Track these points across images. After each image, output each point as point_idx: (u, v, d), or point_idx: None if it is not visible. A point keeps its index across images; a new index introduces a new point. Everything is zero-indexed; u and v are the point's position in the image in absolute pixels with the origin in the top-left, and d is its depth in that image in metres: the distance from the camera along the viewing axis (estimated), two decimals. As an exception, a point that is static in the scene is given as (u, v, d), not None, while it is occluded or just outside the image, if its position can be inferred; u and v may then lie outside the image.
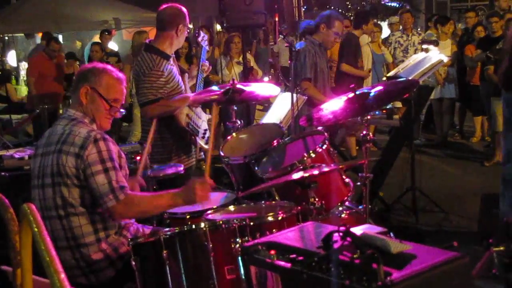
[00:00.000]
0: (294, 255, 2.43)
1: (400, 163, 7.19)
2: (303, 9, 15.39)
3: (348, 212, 4.18)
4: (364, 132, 4.08)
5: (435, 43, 9.26)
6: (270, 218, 3.50)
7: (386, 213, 6.87)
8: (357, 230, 2.48)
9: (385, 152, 7.31)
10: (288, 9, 11.11)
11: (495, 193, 5.15)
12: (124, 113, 3.84)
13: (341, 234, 2.38)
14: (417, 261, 2.22)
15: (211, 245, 3.30)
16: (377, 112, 6.20)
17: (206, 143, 5.25)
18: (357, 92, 4.13)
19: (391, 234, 3.58)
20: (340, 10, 19.99)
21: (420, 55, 7.02)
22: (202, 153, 5.55)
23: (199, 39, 5.64)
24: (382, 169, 6.90)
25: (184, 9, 5.11)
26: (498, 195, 4.67)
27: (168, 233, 3.32)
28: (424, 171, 7.44)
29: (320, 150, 4.19)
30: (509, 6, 10.47)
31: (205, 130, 5.32)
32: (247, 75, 8.02)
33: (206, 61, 5.60)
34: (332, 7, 18.38)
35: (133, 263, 3.29)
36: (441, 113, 10.79)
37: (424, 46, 8.13)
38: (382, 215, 6.66)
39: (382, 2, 21.35)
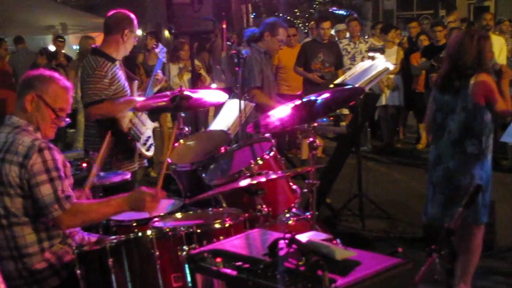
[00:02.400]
0: (240, 263, 2.43)
1: (348, 170, 7.25)
2: (252, 16, 15.43)
3: (295, 219, 4.19)
4: (311, 139, 4.09)
5: (381, 51, 9.37)
6: (217, 225, 3.50)
7: (334, 219, 6.92)
8: (303, 237, 2.50)
9: (333, 159, 7.37)
10: (237, 16, 11.13)
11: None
12: (69, 121, 3.78)
13: (286, 241, 2.38)
14: (361, 267, 2.24)
15: (157, 253, 3.28)
16: (324, 119, 6.24)
17: (148, 150, 5.22)
18: (304, 99, 4.15)
19: (338, 241, 3.62)
20: (288, 18, 20.13)
21: (367, 63, 7.10)
22: (145, 160, 5.51)
23: (157, 50, 5.62)
24: (330, 176, 6.95)
25: (132, 15, 5.08)
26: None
27: (114, 241, 3.28)
28: (371, 177, 7.53)
29: (268, 157, 4.21)
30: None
31: (148, 137, 5.28)
32: (195, 82, 8.00)
33: (160, 71, 5.57)
34: (281, 14, 18.49)
35: (78, 271, 3.24)
36: (386, 120, 10.95)
37: (371, 54, 8.20)
38: (329, 222, 6.70)
39: (330, 10, 21.56)
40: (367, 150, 10.85)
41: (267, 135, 4.56)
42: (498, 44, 9.79)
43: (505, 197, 6.34)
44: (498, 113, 4.69)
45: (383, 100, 10.58)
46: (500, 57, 9.69)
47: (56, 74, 3.71)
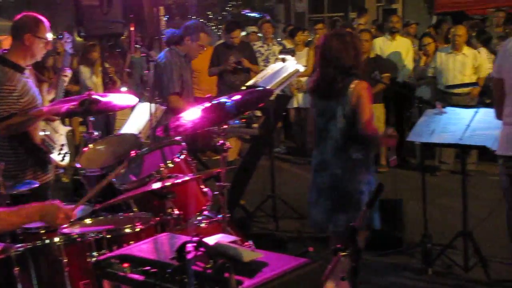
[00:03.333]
0: (147, 268, 2.41)
1: (261, 171, 7.30)
2: (165, 19, 15.27)
3: (207, 221, 4.19)
4: (221, 142, 4.10)
5: (292, 53, 9.48)
6: (127, 230, 3.48)
7: (248, 221, 6.95)
8: (211, 240, 2.50)
9: (246, 160, 7.40)
10: (150, 19, 11.03)
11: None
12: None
13: (194, 244, 2.38)
14: (268, 268, 2.26)
15: (65, 260, 3.23)
16: (236, 121, 6.27)
17: (63, 160, 5.10)
18: (214, 102, 4.15)
19: (250, 242, 3.64)
20: (201, 20, 20.09)
21: (278, 65, 7.16)
22: (60, 169, 5.39)
23: (63, 41, 5.43)
24: (243, 178, 6.98)
25: (38, 18, 4.82)
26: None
27: (20, 249, 3.21)
28: (284, 178, 7.61)
29: (178, 160, 4.20)
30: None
31: (62, 145, 5.16)
32: (106, 85, 7.89)
33: (69, 70, 5.43)
34: (194, 17, 18.45)
35: (-18, 282, 3.15)
36: (299, 122, 11.06)
37: (281, 56, 8.28)
38: (243, 223, 6.72)
39: (243, 13, 21.66)
40: (280, 151, 10.96)
41: (178, 138, 4.54)
42: (405, 46, 10.07)
43: (413, 194, 6.50)
44: (363, 123, 4.58)
45: (294, 103, 10.67)
46: (407, 58, 9.95)
47: None
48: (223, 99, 4.26)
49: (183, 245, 2.39)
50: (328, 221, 4.74)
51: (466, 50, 8.96)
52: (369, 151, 4.73)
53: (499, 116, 4.19)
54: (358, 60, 4.72)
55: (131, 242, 3.28)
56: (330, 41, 4.72)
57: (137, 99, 5.31)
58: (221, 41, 11.03)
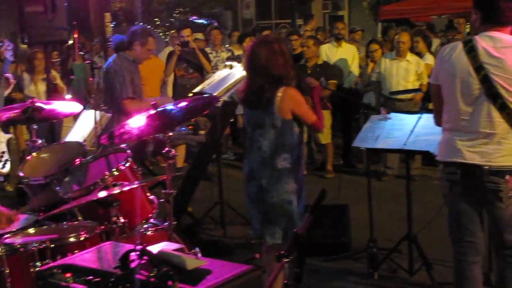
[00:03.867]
0: (90, 277, 2.39)
1: (209, 178, 7.29)
2: (112, 25, 15.15)
3: (153, 229, 4.17)
4: (167, 149, 4.09)
5: (239, 60, 9.48)
6: (72, 239, 3.44)
7: (195, 228, 6.91)
8: (155, 248, 2.49)
9: (193, 167, 7.38)
10: (97, 25, 10.93)
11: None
12: None
13: (138, 253, 2.36)
14: (212, 276, 2.26)
15: (8, 271, 3.17)
16: (183, 128, 6.25)
17: (3, 167, 5.02)
18: (159, 109, 4.14)
19: (197, 249, 3.63)
20: (149, 27, 19.96)
21: (224, 72, 7.17)
22: (0, 177, 5.31)
23: (3, 48, 5.35)
24: (191, 184, 6.95)
25: None
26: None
27: (-41, 260, 3.14)
28: (232, 184, 7.60)
29: (123, 168, 4.16)
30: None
31: (3, 152, 5.08)
32: (51, 93, 7.78)
33: (11, 75, 5.35)
34: (141, 23, 18.32)
35: None
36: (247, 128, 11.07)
37: (228, 63, 8.29)
38: (191, 230, 6.69)
39: (190, 19, 21.59)
40: (228, 157, 10.95)
41: (123, 145, 4.50)
42: (350, 52, 10.18)
43: (359, 199, 6.58)
44: (311, 126, 4.70)
45: (241, 109, 10.67)
46: (353, 65, 10.07)
47: None
48: (168, 106, 4.25)
49: (127, 253, 2.38)
50: (265, 234, 4.65)
51: (410, 56, 9.08)
52: (296, 159, 4.65)
53: (438, 122, 4.26)
54: (287, 68, 4.57)
55: (75, 251, 3.25)
56: (258, 49, 4.58)
57: (81, 107, 5.26)
58: (170, 47, 11.02)
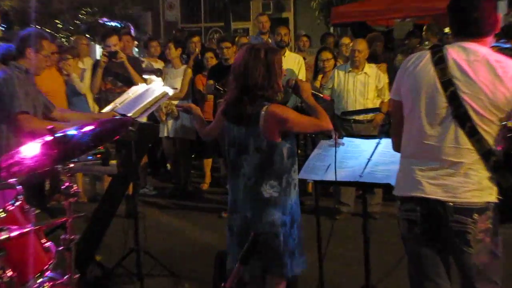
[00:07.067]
0: None
1: (121, 219, 7.23)
2: (2, 29, 15.01)
3: (50, 284, 4.12)
4: (67, 184, 4.04)
5: (158, 73, 9.47)
6: None
7: (105, 280, 6.83)
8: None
9: (102, 206, 7.30)
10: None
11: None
12: None
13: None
14: None
15: None
16: (89, 157, 6.20)
17: None
18: (58, 134, 4.10)
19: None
20: (50, 32, 19.79)
21: (141, 87, 7.16)
22: None
23: None
24: (99, 227, 6.87)
25: None
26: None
27: None
28: (152, 227, 7.55)
29: (12, 208, 4.09)
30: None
31: None
32: None
33: None
34: (37, 26, 18.14)
35: None
36: (173, 155, 11.02)
37: (145, 77, 8.29)
38: (100, 284, 6.62)
39: (100, 21, 21.50)
40: (147, 192, 10.88)
41: (12, 180, 4.43)
42: (295, 63, 10.21)
43: (307, 242, 6.59)
44: (316, 132, 4.96)
45: (164, 131, 10.64)
46: (300, 75, 10.08)
47: None
48: (70, 131, 4.21)
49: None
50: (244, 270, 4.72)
51: (368, 68, 9.15)
52: (286, 186, 4.83)
53: (397, 147, 4.24)
54: (270, 81, 4.76)
55: None
56: (241, 56, 4.84)
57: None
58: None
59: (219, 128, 5.18)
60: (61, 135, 4.08)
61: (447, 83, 3.87)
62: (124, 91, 9.24)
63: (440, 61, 3.93)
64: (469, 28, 3.95)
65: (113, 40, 9.66)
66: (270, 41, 11.08)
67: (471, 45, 3.91)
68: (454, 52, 3.91)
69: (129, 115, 6.38)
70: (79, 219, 4.54)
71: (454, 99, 3.85)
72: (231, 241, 5.01)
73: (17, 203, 4.15)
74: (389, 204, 9.06)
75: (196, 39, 12.04)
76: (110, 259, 7.14)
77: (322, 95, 5.35)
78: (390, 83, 8.82)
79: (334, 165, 5.18)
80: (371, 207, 8.44)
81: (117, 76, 9.59)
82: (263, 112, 4.68)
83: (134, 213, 7.03)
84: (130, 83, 9.43)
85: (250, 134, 4.78)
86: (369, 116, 8.97)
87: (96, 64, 9.86)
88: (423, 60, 4.01)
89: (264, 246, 4.72)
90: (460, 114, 3.85)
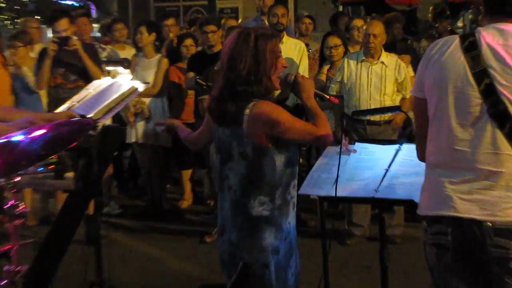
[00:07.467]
0: None
1: (81, 246, 7.22)
2: None
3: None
4: (11, 202, 4.03)
5: (126, 64, 9.42)
6: None
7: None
8: None
9: (56, 229, 7.29)
10: None
11: (217, 282, 5.35)
12: None
13: None
14: None
15: None
16: (40, 169, 6.19)
17: None
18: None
19: None
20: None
21: (104, 82, 7.14)
22: None
23: None
24: (52, 256, 6.87)
25: None
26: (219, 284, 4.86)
27: None
28: (117, 255, 7.56)
29: None
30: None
31: None
32: None
33: None
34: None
35: None
36: (148, 165, 10.97)
37: (109, 68, 8.22)
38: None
39: (54, 0, 21.54)
40: (111, 212, 10.86)
41: None
42: (296, 50, 10.11)
43: (312, 272, 6.61)
44: (313, 142, 4.86)
45: (132, 136, 10.60)
46: (301, 69, 10.05)
47: None
48: (15, 136, 4.20)
49: None
50: None
51: (386, 57, 9.11)
52: (281, 204, 4.77)
53: (421, 155, 4.17)
54: (258, 74, 4.65)
55: None
56: (230, 41, 4.77)
57: None
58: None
59: (209, 132, 5.08)
60: (3, 141, 4.06)
61: (481, 74, 3.78)
62: (78, 86, 9.28)
63: (471, 47, 3.84)
64: (507, 5, 3.87)
65: (63, 24, 9.59)
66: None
67: (510, 27, 3.82)
68: (489, 36, 3.81)
69: (89, 116, 6.37)
70: (27, 246, 4.54)
71: (490, 94, 3.76)
72: (223, 271, 4.96)
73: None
74: (412, 225, 9.06)
75: (170, 21, 12.01)
76: (67, 294, 7.17)
77: (328, 97, 5.13)
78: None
79: (336, 175, 5.09)
80: (390, 229, 8.44)
81: (69, 68, 9.57)
82: (247, 110, 4.60)
83: (96, 238, 7.02)
84: (86, 76, 9.43)
85: (233, 137, 4.70)
86: (386, 116, 8.92)
87: (42, 53, 9.79)
88: (451, 47, 3.92)
89: (253, 279, 4.65)
90: (498, 112, 3.75)
